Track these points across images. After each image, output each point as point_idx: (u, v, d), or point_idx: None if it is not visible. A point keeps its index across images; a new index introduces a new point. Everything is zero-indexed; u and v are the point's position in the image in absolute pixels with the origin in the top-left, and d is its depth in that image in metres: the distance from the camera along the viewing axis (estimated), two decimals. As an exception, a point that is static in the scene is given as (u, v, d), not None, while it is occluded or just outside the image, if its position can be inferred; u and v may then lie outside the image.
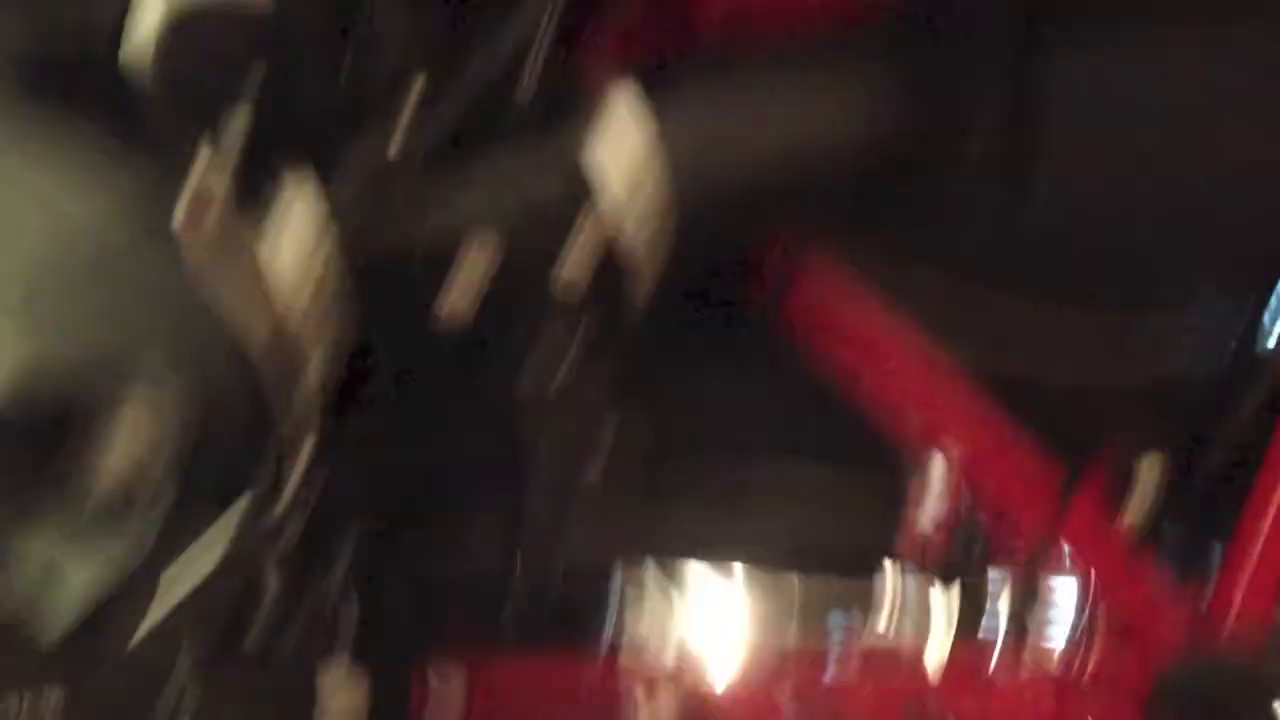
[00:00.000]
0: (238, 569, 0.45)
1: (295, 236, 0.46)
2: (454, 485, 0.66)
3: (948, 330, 0.65)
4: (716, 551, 0.70)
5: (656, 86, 0.53)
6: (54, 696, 0.41)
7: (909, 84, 0.56)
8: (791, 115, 0.56)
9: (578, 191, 0.50)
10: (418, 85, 0.49)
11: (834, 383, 0.65)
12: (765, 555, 0.69)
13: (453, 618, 0.68)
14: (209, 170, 0.45)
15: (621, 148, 0.50)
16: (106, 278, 0.43)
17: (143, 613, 0.42)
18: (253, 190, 0.46)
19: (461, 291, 0.49)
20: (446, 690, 0.66)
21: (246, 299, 0.44)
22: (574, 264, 0.51)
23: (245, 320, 0.45)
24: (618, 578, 0.73)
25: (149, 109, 0.46)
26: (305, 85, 0.48)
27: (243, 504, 0.45)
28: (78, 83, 0.48)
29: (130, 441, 0.43)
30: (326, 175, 0.48)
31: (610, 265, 0.52)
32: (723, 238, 0.60)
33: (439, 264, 0.49)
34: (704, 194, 0.54)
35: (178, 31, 0.45)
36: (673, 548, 0.70)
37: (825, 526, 0.68)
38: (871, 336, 0.65)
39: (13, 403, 0.40)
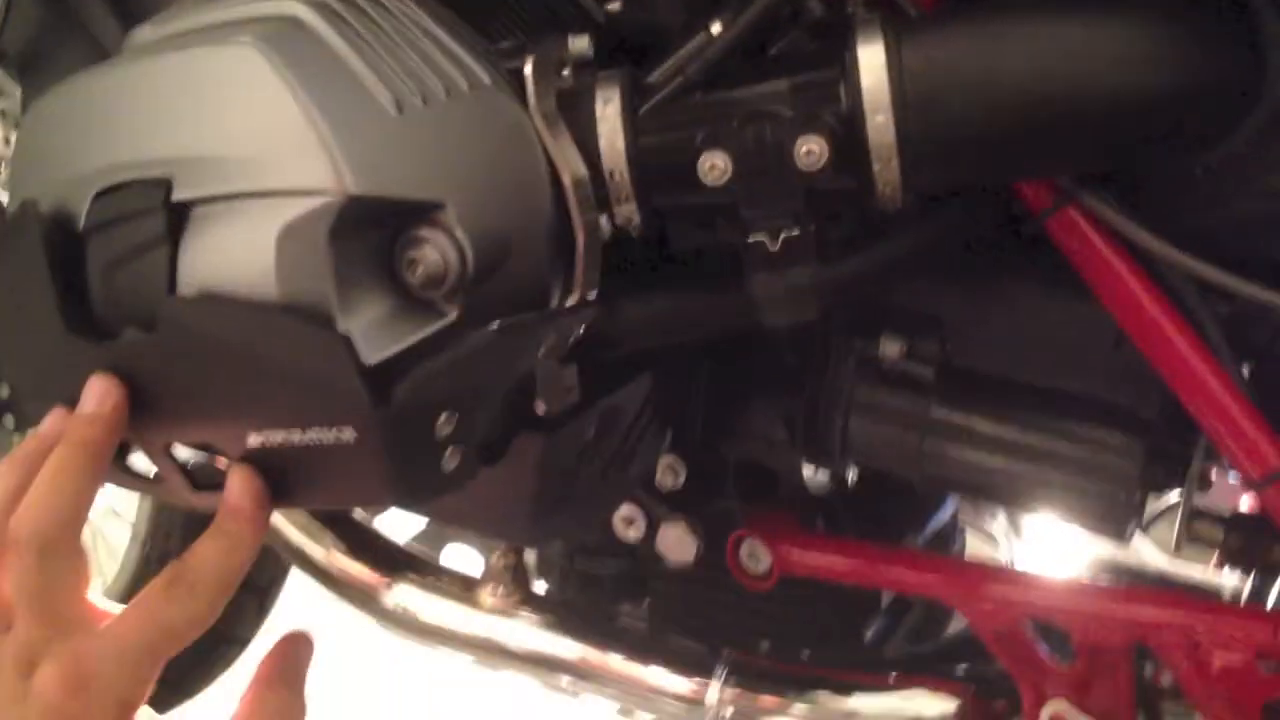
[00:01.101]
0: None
1: (607, 120, 0.60)
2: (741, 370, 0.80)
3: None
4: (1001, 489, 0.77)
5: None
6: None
7: (1202, 39, 0.55)
8: (1070, 52, 0.56)
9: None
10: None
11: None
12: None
13: (765, 500, 0.82)
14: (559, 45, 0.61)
15: (869, 76, 0.57)
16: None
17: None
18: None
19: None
20: (755, 562, 0.83)
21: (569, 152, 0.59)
22: (814, 152, 0.58)
23: (562, 167, 0.58)
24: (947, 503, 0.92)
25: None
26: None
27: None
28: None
29: (428, 253, 0.52)
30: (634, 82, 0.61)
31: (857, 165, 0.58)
32: (982, 167, 0.61)
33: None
34: (960, 119, 0.57)
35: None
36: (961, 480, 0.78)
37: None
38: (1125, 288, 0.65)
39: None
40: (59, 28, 0.75)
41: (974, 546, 1.07)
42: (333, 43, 0.51)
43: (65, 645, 0.47)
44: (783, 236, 0.60)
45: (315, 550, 0.94)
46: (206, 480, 0.52)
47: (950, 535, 0.99)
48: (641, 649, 0.89)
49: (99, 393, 0.50)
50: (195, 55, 0.51)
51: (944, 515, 0.97)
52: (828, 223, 0.62)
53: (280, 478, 0.50)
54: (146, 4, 0.71)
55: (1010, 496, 0.80)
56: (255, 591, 1.34)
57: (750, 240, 0.60)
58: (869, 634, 0.89)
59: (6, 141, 0.83)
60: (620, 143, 0.60)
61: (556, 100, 0.59)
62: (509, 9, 0.68)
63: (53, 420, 0.51)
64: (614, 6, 0.65)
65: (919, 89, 0.57)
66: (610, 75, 0.61)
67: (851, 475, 0.84)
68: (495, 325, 0.53)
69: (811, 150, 0.58)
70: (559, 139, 0.58)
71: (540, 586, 0.93)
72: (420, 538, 1.07)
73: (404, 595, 0.94)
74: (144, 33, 0.56)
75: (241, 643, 1.38)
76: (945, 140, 0.58)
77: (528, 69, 0.58)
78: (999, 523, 1.10)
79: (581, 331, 0.61)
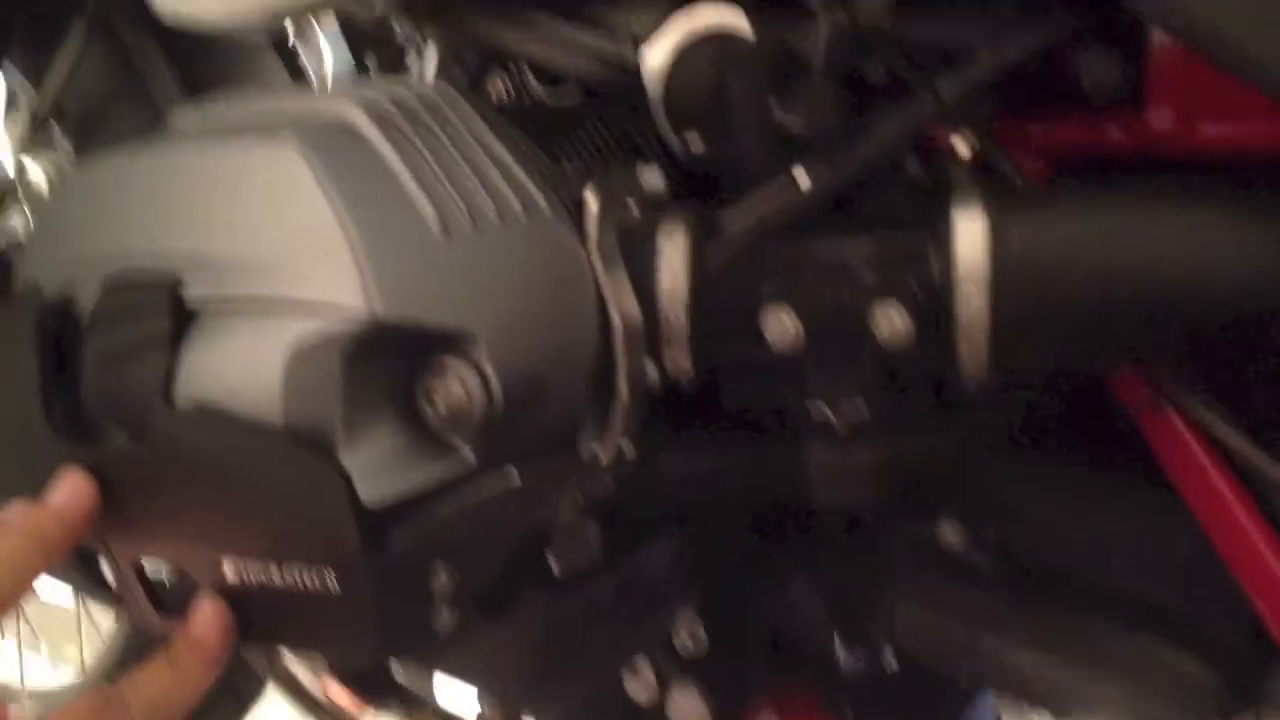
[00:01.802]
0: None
1: (670, 261, 0.56)
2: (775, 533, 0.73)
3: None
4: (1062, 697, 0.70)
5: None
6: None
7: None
8: (1190, 243, 0.52)
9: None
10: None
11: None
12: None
13: (788, 673, 0.77)
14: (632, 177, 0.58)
15: (967, 247, 0.52)
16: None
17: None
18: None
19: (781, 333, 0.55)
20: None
21: (624, 292, 0.54)
22: (895, 323, 0.53)
23: (613, 306, 0.53)
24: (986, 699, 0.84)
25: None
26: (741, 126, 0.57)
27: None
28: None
29: (452, 388, 0.47)
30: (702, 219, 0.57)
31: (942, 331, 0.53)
32: (1073, 352, 0.56)
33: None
34: (1059, 301, 0.53)
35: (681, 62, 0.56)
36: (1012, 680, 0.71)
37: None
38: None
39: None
40: (122, 91, 0.73)
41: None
42: (383, 152, 0.47)
43: None
44: (846, 409, 0.55)
45: (296, 666, 0.88)
46: (171, 603, 0.48)
47: (988, 730, 0.92)
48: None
49: (70, 491, 0.46)
50: (232, 147, 0.48)
51: (983, 710, 0.90)
52: (897, 398, 0.57)
53: (251, 613, 0.46)
54: (213, 77, 0.69)
55: (1064, 705, 0.73)
56: (234, 696, 1.26)
57: (810, 407, 0.55)
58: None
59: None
60: (682, 286, 0.56)
61: (618, 234, 0.55)
62: (580, 129, 0.65)
63: (15, 511, 0.47)
64: (693, 140, 0.61)
65: (1020, 265, 0.52)
66: (678, 211, 0.57)
67: (890, 662, 0.77)
68: (515, 475, 0.48)
69: (892, 321, 0.53)
70: (614, 277, 0.54)
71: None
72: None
73: (387, 726, 0.88)
74: (188, 116, 0.53)
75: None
76: (1042, 321, 0.53)
77: (590, 198, 0.54)
78: None
79: (611, 486, 0.56)
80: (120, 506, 0.46)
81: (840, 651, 0.74)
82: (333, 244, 0.44)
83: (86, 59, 0.74)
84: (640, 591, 0.63)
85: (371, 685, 0.89)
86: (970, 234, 0.52)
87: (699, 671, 0.76)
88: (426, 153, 0.49)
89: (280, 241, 0.45)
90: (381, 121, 0.48)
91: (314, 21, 0.83)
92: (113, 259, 0.48)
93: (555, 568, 0.54)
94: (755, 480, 0.61)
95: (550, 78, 0.66)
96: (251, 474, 0.44)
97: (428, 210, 0.47)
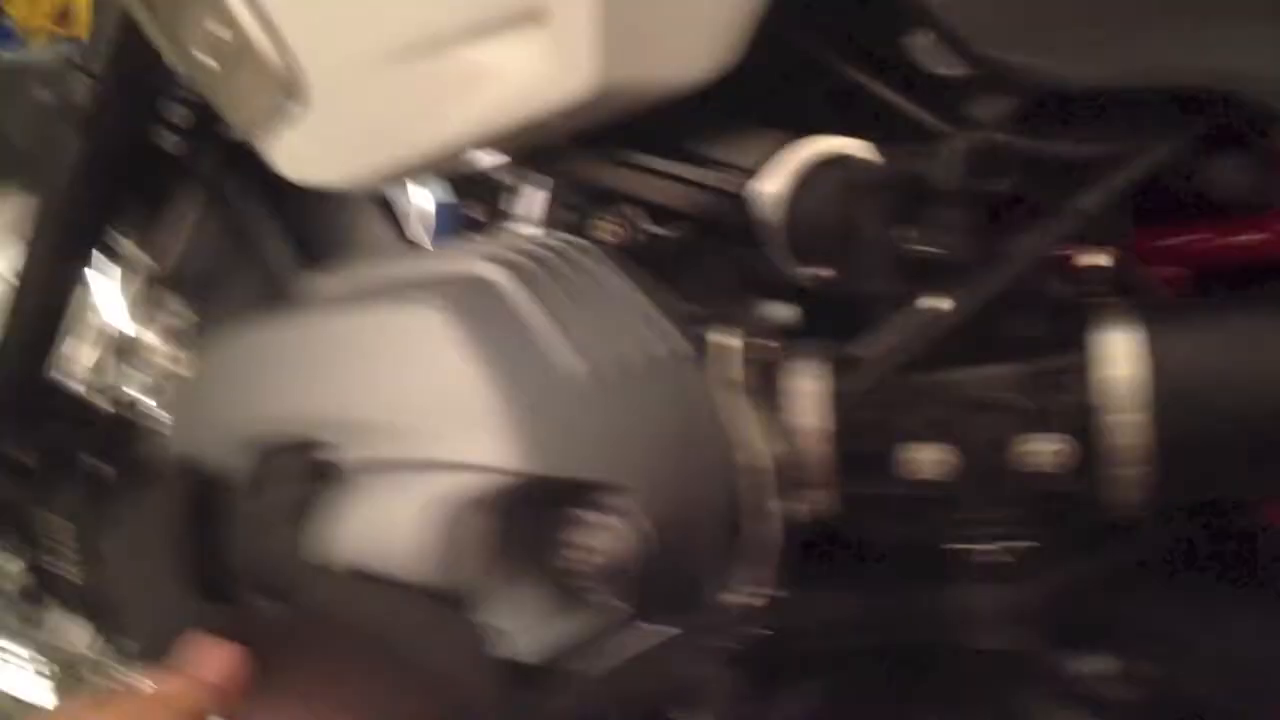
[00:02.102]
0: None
1: (806, 399, 0.54)
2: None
3: None
4: None
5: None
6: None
7: None
8: None
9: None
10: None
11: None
12: None
13: None
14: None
15: (1123, 368, 0.50)
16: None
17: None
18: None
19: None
20: None
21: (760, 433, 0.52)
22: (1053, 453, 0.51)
23: (750, 449, 0.52)
24: None
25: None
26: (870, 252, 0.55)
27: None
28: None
29: (603, 542, 0.45)
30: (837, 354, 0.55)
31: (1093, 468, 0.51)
32: (1236, 476, 0.54)
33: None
34: (1220, 420, 0.50)
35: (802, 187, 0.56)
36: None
37: None
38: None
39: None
40: (236, 259, 0.75)
41: None
42: (524, 308, 0.47)
43: None
44: (1003, 546, 0.52)
45: None
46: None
47: None
48: None
49: (224, 663, 0.45)
50: (374, 314, 0.48)
51: None
52: (1056, 530, 0.54)
53: None
54: (326, 245, 0.70)
55: None
56: None
57: (962, 546, 0.53)
58: None
59: (174, 360, 0.84)
60: (820, 424, 0.54)
61: (748, 372, 0.54)
62: (697, 266, 0.64)
63: (172, 683, 0.46)
64: (823, 273, 0.60)
65: (1178, 384, 0.50)
66: (811, 347, 0.56)
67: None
68: (674, 631, 0.46)
69: (1047, 451, 0.51)
70: (747, 419, 0.53)
71: None
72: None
73: None
74: (327, 283, 0.54)
75: None
76: (1203, 443, 0.50)
77: (723, 339, 0.53)
78: None
79: (748, 634, 0.53)
80: (260, 670, 0.45)
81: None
82: (479, 404, 0.44)
83: (199, 223, 0.76)
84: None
85: None
86: (1123, 354, 0.50)
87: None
88: (567, 303, 0.48)
89: (426, 404, 0.45)
90: (520, 276, 0.48)
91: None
92: (259, 426, 0.48)
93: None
94: (903, 624, 0.58)
95: (659, 215, 0.66)
96: (395, 635, 0.42)
97: (574, 362, 0.46)
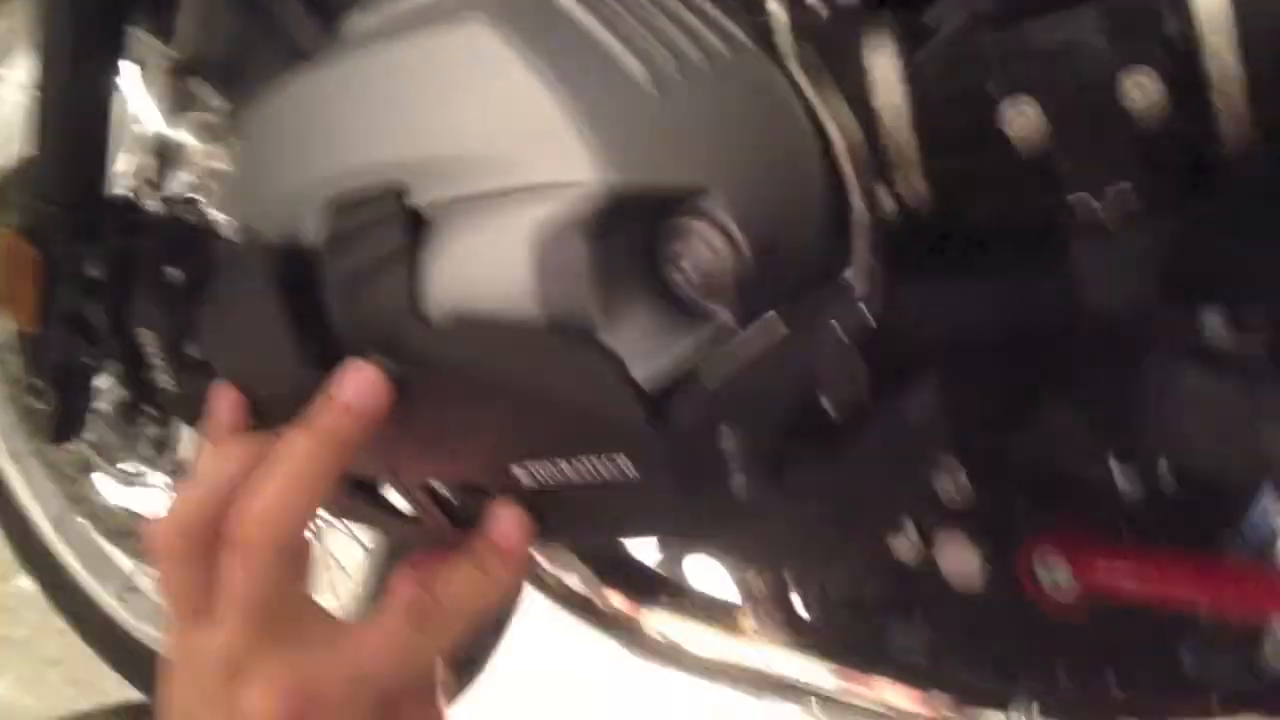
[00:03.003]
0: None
1: (884, 75, 0.52)
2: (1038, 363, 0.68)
3: None
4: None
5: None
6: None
7: None
8: None
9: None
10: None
11: None
12: None
13: (1061, 507, 0.73)
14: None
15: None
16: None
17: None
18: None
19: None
20: (1052, 578, 0.73)
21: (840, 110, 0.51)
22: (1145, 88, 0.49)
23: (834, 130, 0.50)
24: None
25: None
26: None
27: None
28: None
29: (696, 247, 0.45)
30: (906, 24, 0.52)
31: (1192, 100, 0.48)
32: None
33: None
34: None
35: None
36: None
37: None
38: None
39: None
40: (256, 34, 0.72)
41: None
42: (575, 13, 0.45)
43: (286, 660, 0.42)
44: (1112, 196, 0.51)
45: (568, 577, 0.89)
46: (466, 516, 0.48)
47: (1272, 537, 0.87)
48: (924, 679, 0.81)
49: (362, 383, 0.44)
50: (419, 40, 0.46)
51: (1264, 514, 0.85)
52: (1160, 179, 0.52)
53: (548, 511, 0.46)
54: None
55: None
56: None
57: (1070, 202, 0.51)
58: (1186, 659, 0.79)
59: (213, 158, 0.82)
60: (900, 99, 0.52)
61: (818, 50, 0.52)
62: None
63: (312, 411, 0.45)
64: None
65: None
66: (877, 18, 0.53)
67: (1166, 476, 0.74)
68: (780, 325, 0.46)
69: (1143, 89, 0.48)
70: (828, 97, 0.51)
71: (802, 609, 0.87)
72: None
73: (663, 623, 0.88)
74: (360, 21, 0.52)
75: (473, 666, 1.34)
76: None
77: (779, 13, 0.51)
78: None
79: (867, 317, 0.53)
80: (397, 432, 0.46)
81: (1115, 474, 0.71)
82: (550, 120, 0.42)
83: (213, 5, 0.74)
84: (905, 438, 0.61)
85: (640, 584, 0.89)
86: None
87: (964, 517, 0.73)
88: (617, 5, 0.46)
89: (495, 129, 0.44)
90: None
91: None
92: (324, 185, 0.47)
93: (830, 408, 0.52)
94: (1021, 300, 0.58)
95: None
96: (519, 374, 0.43)
97: (635, 67, 0.44)
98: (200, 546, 0.44)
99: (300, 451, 0.44)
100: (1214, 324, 0.65)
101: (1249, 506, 0.82)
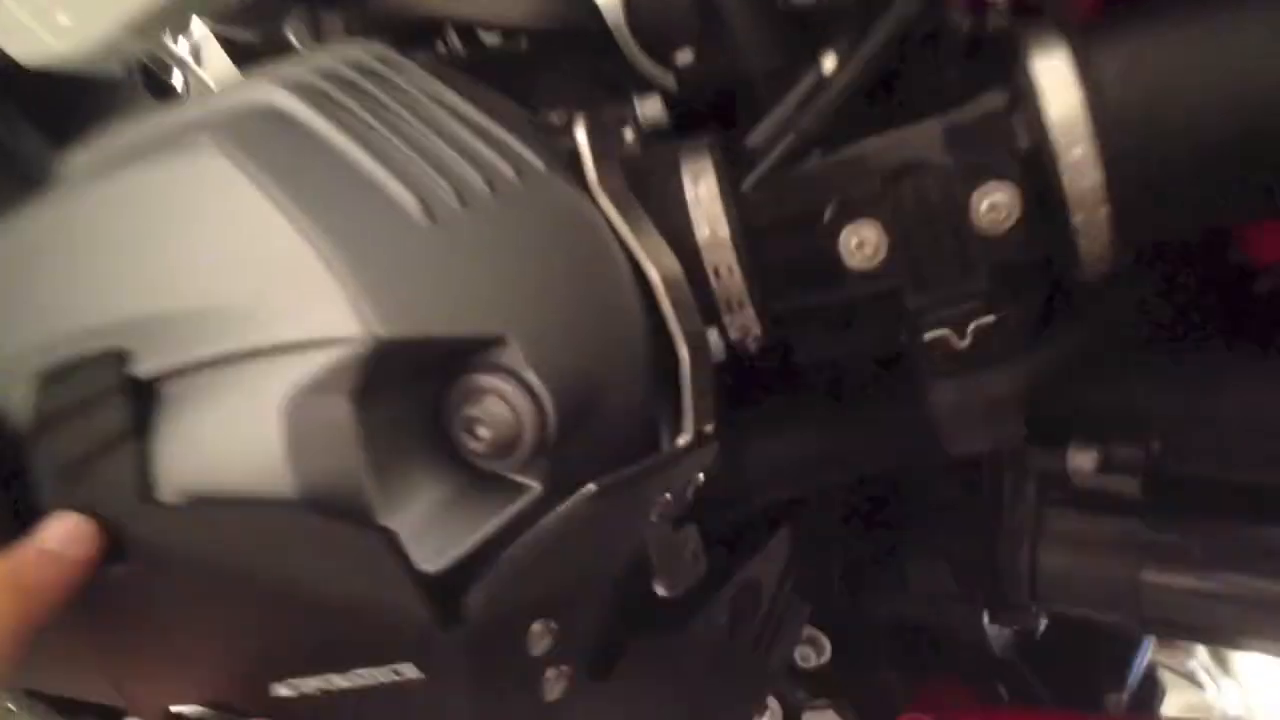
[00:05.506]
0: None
1: (703, 203, 0.49)
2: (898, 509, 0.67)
3: None
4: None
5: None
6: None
7: None
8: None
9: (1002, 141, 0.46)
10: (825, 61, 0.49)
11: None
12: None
13: (932, 668, 0.70)
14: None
15: (1056, 99, 0.45)
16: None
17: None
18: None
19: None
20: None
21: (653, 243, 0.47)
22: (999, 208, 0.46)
23: (656, 260, 0.46)
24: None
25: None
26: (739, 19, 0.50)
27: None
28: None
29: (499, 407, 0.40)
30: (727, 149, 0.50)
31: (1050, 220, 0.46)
32: (1210, 204, 0.48)
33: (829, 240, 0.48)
34: (1173, 136, 0.44)
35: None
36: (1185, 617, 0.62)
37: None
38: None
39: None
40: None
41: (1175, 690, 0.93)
42: (327, 135, 0.39)
43: None
44: (973, 327, 0.47)
45: None
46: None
47: (1152, 685, 0.85)
48: None
49: (65, 532, 0.38)
50: (141, 173, 0.40)
51: (1142, 661, 0.83)
52: (1015, 308, 0.49)
53: None
54: (84, 123, 0.61)
55: (1247, 635, 0.66)
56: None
57: (923, 339, 0.48)
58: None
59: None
60: (724, 230, 0.48)
61: (628, 176, 0.48)
62: (550, 77, 0.57)
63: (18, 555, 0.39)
64: (684, 58, 0.53)
65: (1126, 106, 0.45)
66: (695, 144, 0.50)
67: (1041, 628, 0.70)
68: (591, 489, 0.40)
69: (996, 204, 0.46)
70: (640, 229, 0.47)
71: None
72: None
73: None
74: (80, 156, 0.45)
75: None
76: (1164, 172, 0.46)
77: (581, 138, 0.47)
78: (1199, 660, 0.96)
79: (700, 481, 0.48)
80: (127, 649, 0.38)
81: (985, 629, 0.67)
82: (299, 264, 0.36)
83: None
84: (758, 606, 0.55)
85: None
86: (1057, 81, 0.45)
87: (829, 687, 0.68)
88: (379, 126, 0.41)
89: (230, 276, 0.37)
90: (314, 97, 0.40)
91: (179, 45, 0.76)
92: (38, 351, 0.40)
93: (663, 590, 0.46)
94: (871, 447, 0.54)
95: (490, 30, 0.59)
96: (273, 565, 0.36)
97: (404, 196, 0.39)
98: None
99: None
100: (1083, 464, 0.63)
101: (1131, 659, 0.79)
